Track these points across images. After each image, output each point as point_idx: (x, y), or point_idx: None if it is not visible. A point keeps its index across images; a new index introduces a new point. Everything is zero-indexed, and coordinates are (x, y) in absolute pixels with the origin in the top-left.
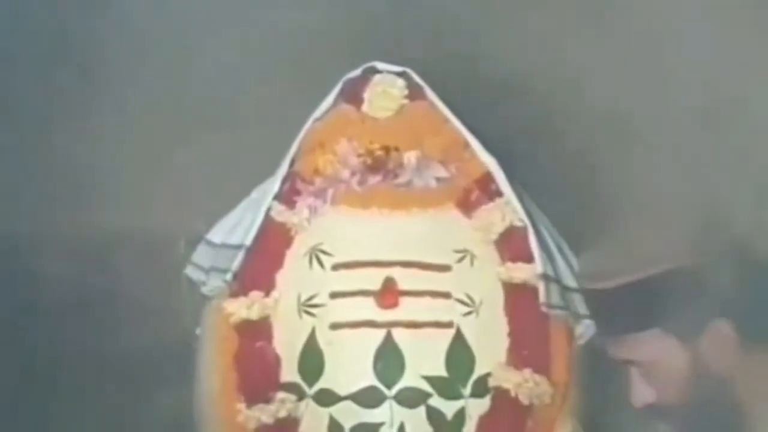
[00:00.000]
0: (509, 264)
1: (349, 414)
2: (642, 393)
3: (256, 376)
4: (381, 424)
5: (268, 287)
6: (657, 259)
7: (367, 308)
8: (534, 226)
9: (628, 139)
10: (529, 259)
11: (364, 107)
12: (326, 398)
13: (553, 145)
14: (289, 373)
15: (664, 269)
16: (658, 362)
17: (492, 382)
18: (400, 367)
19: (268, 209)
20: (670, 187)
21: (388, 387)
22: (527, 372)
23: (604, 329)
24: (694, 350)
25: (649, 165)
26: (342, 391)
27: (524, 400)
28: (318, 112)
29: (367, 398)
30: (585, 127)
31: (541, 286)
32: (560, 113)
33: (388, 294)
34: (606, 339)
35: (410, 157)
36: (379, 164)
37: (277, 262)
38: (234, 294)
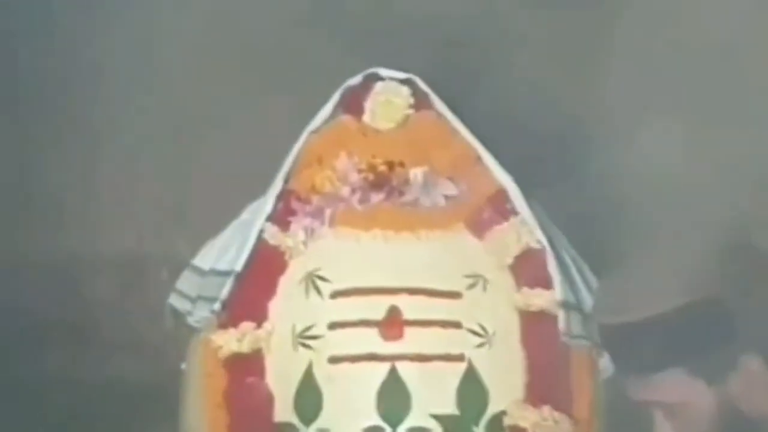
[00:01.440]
0: (526, 290)
1: None
2: None
3: (248, 415)
4: None
5: (260, 317)
6: (678, 290)
7: (370, 340)
8: (553, 248)
9: (647, 164)
10: (547, 284)
11: (366, 118)
12: None
13: (570, 168)
14: (284, 412)
15: (686, 302)
16: (683, 404)
17: (507, 421)
18: (406, 404)
19: (261, 231)
20: (691, 213)
21: (393, 427)
22: (546, 409)
23: (623, 368)
24: (722, 390)
25: (669, 189)
26: None
27: None
28: (314, 124)
29: None
30: (605, 151)
31: (561, 314)
32: (581, 136)
33: (393, 324)
34: (626, 378)
35: (416, 173)
36: (383, 181)
37: (270, 289)
38: (223, 325)
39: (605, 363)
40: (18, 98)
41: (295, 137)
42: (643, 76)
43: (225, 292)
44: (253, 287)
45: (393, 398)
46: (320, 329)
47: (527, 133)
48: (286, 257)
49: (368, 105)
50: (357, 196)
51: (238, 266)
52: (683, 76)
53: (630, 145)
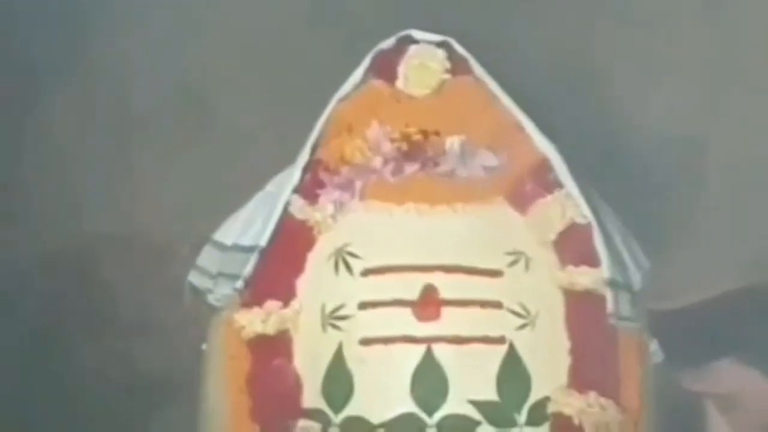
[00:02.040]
0: (571, 268)
1: None
2: (720, 431)
3: (273, 400)
4: None
5: (286, 296)
6: (732, 274)
7: (404, 321)
8: (600, 223)
9: (701, 144)
10: (594, 262)
11: (399, 84)
12: (356, 427)
13: (618, 143)
14: (312, 397)
15: (740, 286)
16: (737, 395)
17: (551, 408)
18: (442, 390)
19: (287, 204)
20: (745, 193)
21: (429, 414)
22: (592, 396)
23: (673, 357)
24: None
25: (724, 170)
26: (374, 419)
27: (589, 428)
28: (344, 90)
29: (404, 427)
30: (655, 128)
31: (608, 294)
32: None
33: (428, 304)
34: (676, 368)
35: (453, 142)
36: (417, 151)
37: (298, 266)
38: (246, 304)
39: (655, 348)
40: (35, 78)
41: (323, 104)
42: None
43: (249, 268)
44: (279, 264)
45: (428, 383)
46: (351, 309)
47: (574, 105)
48: (314, 232)
49: (401, 70)
50: (389, 167)
51: (263, 241)
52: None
53: (684, 119)
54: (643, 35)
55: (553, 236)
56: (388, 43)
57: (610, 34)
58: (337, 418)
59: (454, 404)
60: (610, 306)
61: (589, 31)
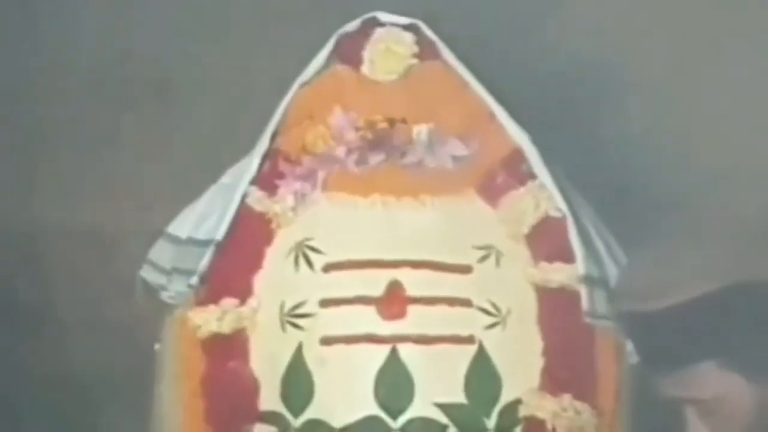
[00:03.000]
0: (544, 264)
1: None
2: None
3: (229, 403)
4: None
5: (243, 293)
6: (711, 274)
7: (368, 319)
8: (575, 216)
9: (683, 137)
10: (568, 257)
11: (364, 69)
12: (316, 431)
13: (593, 130)
14: (270, 399)
15: (720, 286)
16: (718, 400)
17: (523, 411)
18: (408, 392)
19: (244, 196)
20: (728, 188)
21: (394, 417)
22: (567, 398)
23: (650, 361)
24: (762, 386)
25: (704, 161)
26: (336, 423)
27: None
28: (306, 75)
29: (368, 431)
30: (630, 116)
31: (583, 291)
32: (608, 94)
33: (393, 301)
34: (654, 372)
35: (421, 131)
36: (383, 140)
37: (255, 261)
38: (201, 302)
39: (630, 349)
40: None
41: (283, 90)
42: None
43: (204, 263)
44: (236, 259)
45: (393, 385)
46: (311, 306)
47: (546, 88)
48: (273, 225)
49: (366, 54)
50: (353, 156)
51: (219, 235)
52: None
53: (666, 105)
54: None
55: (525, 230)
56: (352, 25)
57: None
58: (297, 422)
59: (420, 407)
60: (585, 304)
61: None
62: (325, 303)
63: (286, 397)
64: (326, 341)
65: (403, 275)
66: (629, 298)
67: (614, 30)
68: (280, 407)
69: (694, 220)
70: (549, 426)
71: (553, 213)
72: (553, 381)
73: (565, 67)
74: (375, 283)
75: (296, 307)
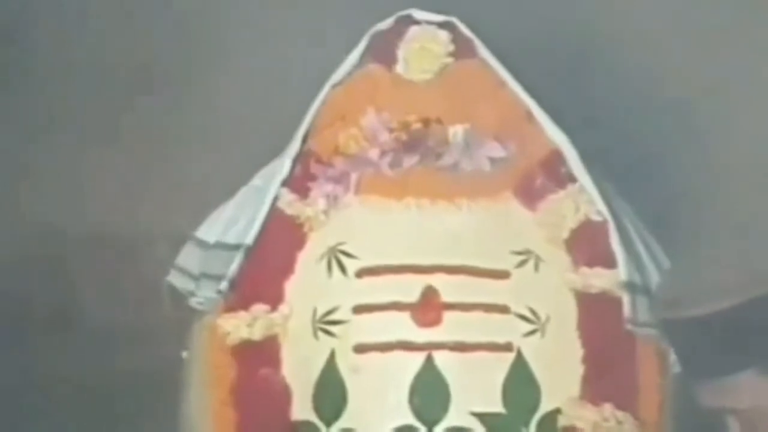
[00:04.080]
0: (584, 269)
1: None
2: None
3: (260, 413)
4: None
5: (274, 299)
6: (753, 281)
7: (402, 326)
8: (616, 220)
9: (723, 142)
10: (609, 262)
11: (398, 68)
12: None
13: (634, 136)
14: (302, 409)
15: (762, 293)
16: (758, 410)
17: (562, 421)
18: (443, 401)
19: (275, 199)
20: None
21: (429, 427)
22: (608, 408)
23: (690, 369)
24: None
25: (748, 170)
26: None
27: None
28: (338, 75)
29: None
30: (672, 123)
31: (625, 298)
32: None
33: (429, 308)
34: (694, 381)
35: (456, 131)
36: (417, 141)
37: (287, 266)
38: (231, 308)
39: (673, 358)
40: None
41: (315, 90)
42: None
43: (233, 269)
44: (267, 264)
45: (428, 394)
46: (344, 313)
47: (586, 90)
48: (305, 229)
49: (401, 53)
50: (387, 158)
51: (249, 239)
52: None
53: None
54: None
55: (565, 234)
56: (386, 23)
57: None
58: None
59: (456, 417)
60: (627, 310)
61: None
62: (359, 309)
63: (318, 406)
64: (359, 349)
65: (438, 281)
66: (668, 305)
67: (676, 41)
68: (312, 416)
69: (737, 224)
70: None
71: (594, 217)
72: (594, 390)
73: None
74: (409, 289)
75: (329, 313)
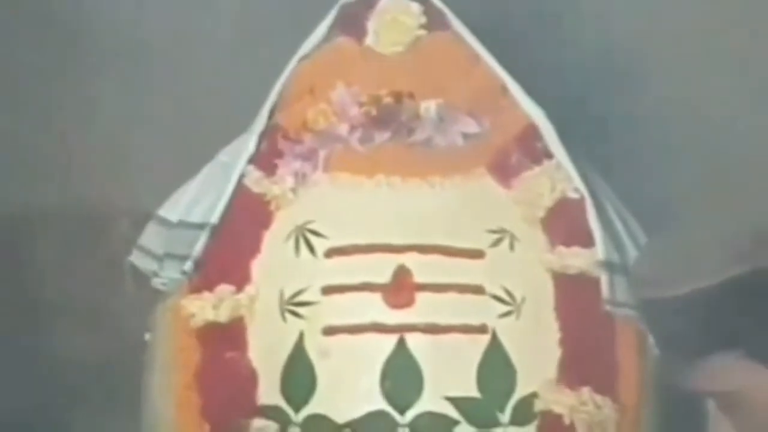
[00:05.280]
0: (561, 249)
1: None
2: None
3: (226, 397)
4: None
5: (241, 280)
6: (734, 257)
7: (373, 307)
8: (594, 197)
9: (706, 111)
10: (587, 241)
11: (368, 41)
12: (318, 427)
13: (614, 108)
14: (270, 393)
15: (743, 271)
16: (741, 394)
17: (539, 406)
18: (416, 385)
19: (241, 176)
20: (755, 163)
21: (401, 412)
22: (586, 392)
23: (670, 351)
24: None
25: (731, 135)
26: (339, 418)
27: (582, 428)
28: (306, 48)
29: (373, 427)
30: (654, 95)
31: (603, 278)
32: (627, 73)
33: (401, 289)
34: (673, 363)
35: (429, 106)
36: (388, 116)
37: (253, 246)
38: (196, 289)
39: (653, 340)
40: None
41: (282, 64)
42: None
43: (198, 248)
44: (232, 243)
45: (401, 377)
46: (313, 294)
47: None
48: (272, 208)
49: (371, 25)
50: (357, 134)
51: (214, 218)
52: None
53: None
54: None
55: (541, 213)
56: None
57: None
58: (298, 417)
59: (430, 401)
60: (605, 291)
61: None
62: (328, 290)
63: (286, 390)
64: (329, 331)
65: (411, 261)
66: (646, 284)
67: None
68: (280, 401)
69: (716, 202)
70: (567, 421)
71: (571, 194)
72: (572, 373)
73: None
74: (381, 269)
75: (297, 294)
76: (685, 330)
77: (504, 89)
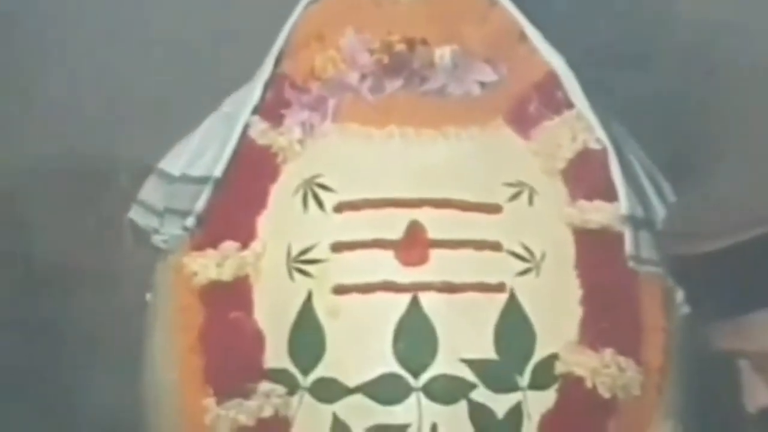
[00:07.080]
0: (583, 202)
1: (360, 413)
2: (756, 394)
3: (230, 360)
4: (406, 426)
5: (246, 236)
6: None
7: (385, 265)
8: (617, 149)
9: (737, 65)
10: (610, 195)
11: None
12: (328, 391)
13: (639, 63)
14: (277, 355)
15: None
16: None
17: (559, 368)
18: (430, 347)
19: (245, 128)
20: None
21: (415, 375)
22: (608, 353)
23: (701, 310)
24: None
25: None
26: (350, 381)
27: (604, 392)
28: None
29: (386, 391)
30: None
31: (627, 233)
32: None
33: (414, 245)
34: (704, 322)
35: (443, 53)
36: (400, 63)
37: (259, 201)
38: (198, 246)
39: (681, 299)
40: None
41: (289, 10)
42: None
43: (201, 203)
44: (237, 198)
45: (414, 338)
46: (322, 251)
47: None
48: (279, 160)
49: None
50: (368, 82)
51: (218, 171)
52: None
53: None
54: None
55: (561, 165)
56: None
57: None
58: (306, 381)
59: (445, 363)
60: (629, 247)
61: None
62: (338, 247)
63: (294, 352)
64: (339, 290)
65: (425, 216)
66: (678, 240)
67: None
68: (287, 364)
69: (751, 153)
70: (588, 384)
71: (593, 145)
72: (593, 334)
73: None
74: (393, 224)
75: (305, 251)
76: (719, 287)
77: (522, 35)
